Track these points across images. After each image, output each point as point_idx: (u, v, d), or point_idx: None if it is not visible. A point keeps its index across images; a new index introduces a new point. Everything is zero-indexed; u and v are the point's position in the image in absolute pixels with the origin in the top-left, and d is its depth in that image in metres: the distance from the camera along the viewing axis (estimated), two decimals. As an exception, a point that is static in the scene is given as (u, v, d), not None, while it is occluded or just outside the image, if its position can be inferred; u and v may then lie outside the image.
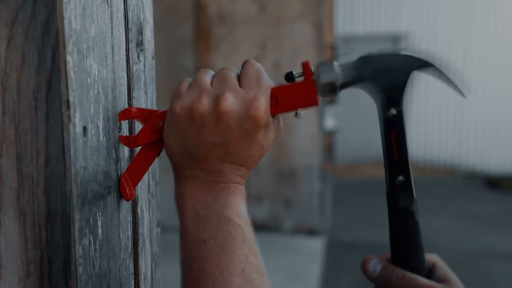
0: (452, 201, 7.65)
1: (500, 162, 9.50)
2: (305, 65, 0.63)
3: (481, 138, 9.58)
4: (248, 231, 0.62)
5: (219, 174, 0.63)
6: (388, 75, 0.70)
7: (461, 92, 0.73)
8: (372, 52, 0.70)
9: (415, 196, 0.72)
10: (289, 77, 0.64)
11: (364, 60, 0.69)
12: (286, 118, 0.68)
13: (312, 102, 0.64)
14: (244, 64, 0.64)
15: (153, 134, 0.67)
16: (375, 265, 0.81)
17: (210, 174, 0.63)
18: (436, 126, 9.73)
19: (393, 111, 0.70)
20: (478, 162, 9.59)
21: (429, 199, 7.64)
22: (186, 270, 0.61)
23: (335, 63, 0.67)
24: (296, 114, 0.65)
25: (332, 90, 0.66)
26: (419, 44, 9.63)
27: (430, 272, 0.78)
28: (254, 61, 0.64)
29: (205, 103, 0.60)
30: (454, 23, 9.49)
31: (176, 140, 0.63)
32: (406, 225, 0.75)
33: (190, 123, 0.61)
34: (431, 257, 0.81)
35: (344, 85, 0.68)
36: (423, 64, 0.71)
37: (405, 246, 0.76)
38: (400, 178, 0.70)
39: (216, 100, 0.60)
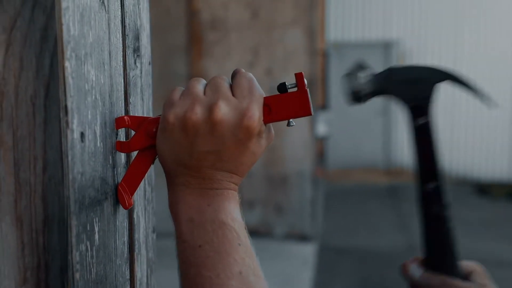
0: (443, 207, 7.68)
1: (490, 169, 9.56)
2: (299, 76, 0.64)
3: (472, 144, 9.64)
4: (243, 234, 0.62)
5: (212, 181, 0.63)
6: (414, 87, 0.74)
7: (484, 101, 0.77)
8: (398, 65, 0.76)
9: (447, 202, 0.75)
10: (282, 88, 0.65)
11: (391, 72, 0.74)
12: (278, 124, 0.69)
13: (305, 112, 0.65)
14: (235, 74, 0.65)
15: (146, 140, 0.67)
16: (415, 270, 0.84)
17: (202, 181, 0.63)
18: (427, 132, 9.77)
19: (421, 121, 0.74)
20: (468, 168, 9.64)
21: (420, 205, 7.67)
22: (184, 275, 0.61)
23: (362, 73, 0.72)
24: (288, 123, 0.66)
25: (358, 98, 0.71)
26: (410, 51, 9.69)
27: (468, 278, 0.81)
28: (244, 70, 0.65)
29: (198, 112, 0.61)
30: (444, 31, 9.56)
31: (169, 148, 0.63)
32: (439, 231, 0.78)
33: (183, 131, 0.61)
34: (470, 265, 0.84)
35: (370, 95, 0.72)
36: (446, 77, 0.75)
37: (440, 251, 0.78)
38: (431, 185, 0.74)
39: (210, 109, 0.61)
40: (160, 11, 5.29)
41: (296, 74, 0.65)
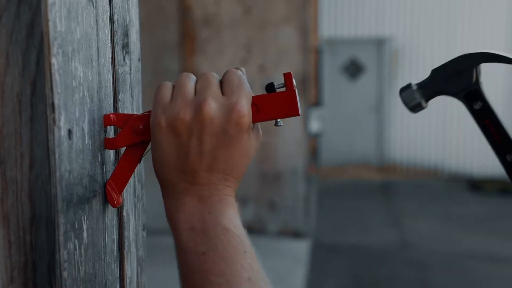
0: (435, 203, 7.72)
1: (483, 165, 9.61)
2: (287, 76, 0.64)
3: (464, 141, 9.68)
4: (247, 242, 0.61)
5: (210, 187, 0.62)
6: (458, 78, 0.79)
7: None
8: (439, 65, 0.81)
9: None
10: (270, 87, 0.65)
11: (434, 73, 0.81)
12: (271, 121, 0.68)
13: (293, 112, 0.65)
14: (226, 72, 0.65)
15: (132, 137, 0.66)
16: None
17: (200, 187, 0.62)
18: (419, 128, 9.81)
19: (478, 104, 0.78)
20: (461, 164, 9.68)
21: (413, 202, 7.71)
22: (187, 283, 0.59)
23: (413, 85, 0.81)
24: (276, 123, 0.66)
25: (419, 108, 0.78)
26: (403, 48, 9.71)
27: None
28: (235, 69, 0.65)
29: (188, 113, 0.60)
30: (437, 27, 9.59)
31: (164, 154, 0.62)
32: None
33: (176, 135, 0.61)
34: None
35: (426, 100, 0.81)
36: (482, 57, 0.80)
37: None
38: (509, 156, 0.79)
39: (200, 107, 0.60)
40: (152, 8, 5.27)
41: (284, 74, 0.65)
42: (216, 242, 0.59)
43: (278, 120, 0.66)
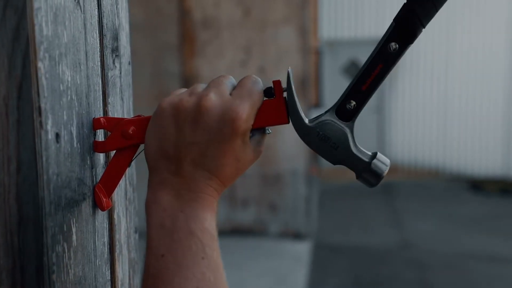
0: (437, 203, 7.71)
1: (484, 165, 9.60)
2: (277, 84, 0.65)
3: (465, 141, 9.67)
4: (210, 247, 0.61)
5: (190, 181, 0.62)
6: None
7: None
8: None
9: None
10: (268, 92, 0.65)
11: None
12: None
13: (282, 120, 0.65)
14: (243, 77, 0.65)
15: (122, 141, 0.66)
16: None
17: (181, 180, 0.62)
18: (420, 129, 9.81)
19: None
20: (462, 165, 9.67)
21: (414, 202, 7.70)
22: (143, 284, 0.60)
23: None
24: (264, 131, 0.66)
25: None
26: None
27: None
28: (253, 76, 0.65)
29: (190, 100, 0.62)
30: (437, 28, 9.58)
31: (156, 137, 0.63)
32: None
33: (173, 117, 0.62)
34: None
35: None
36: None
37: None
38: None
39: (200, 97, 0.61)
40: (152, 9, 5.28)
41: (273, 82, 0.65)
42: (176, 247, 0.59)
43: (267, 127, 0.66)
